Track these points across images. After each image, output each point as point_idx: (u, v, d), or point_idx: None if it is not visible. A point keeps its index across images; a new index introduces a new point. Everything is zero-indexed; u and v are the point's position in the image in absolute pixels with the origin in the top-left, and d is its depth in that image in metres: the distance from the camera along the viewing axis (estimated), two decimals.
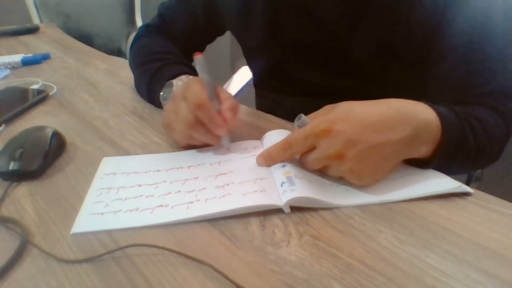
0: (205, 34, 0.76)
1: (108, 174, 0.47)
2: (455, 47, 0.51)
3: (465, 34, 0.50)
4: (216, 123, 0.47)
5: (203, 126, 0.47)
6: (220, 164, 0.48)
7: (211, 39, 0.79)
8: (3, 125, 0.61)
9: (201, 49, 0.80)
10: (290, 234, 0.37)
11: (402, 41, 0.54)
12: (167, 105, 0.52)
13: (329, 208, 0.40)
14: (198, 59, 0.48)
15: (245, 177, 0.44)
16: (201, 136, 0.48)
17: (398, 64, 0.57)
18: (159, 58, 0.65)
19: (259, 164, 0.46)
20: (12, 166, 0.46)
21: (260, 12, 0.63)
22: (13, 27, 1.20)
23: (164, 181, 0.45)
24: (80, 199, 0.43)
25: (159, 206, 0.41)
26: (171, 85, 0.59)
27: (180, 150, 0.52)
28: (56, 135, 0.53)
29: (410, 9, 0.51)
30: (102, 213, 0.41)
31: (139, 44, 0.73)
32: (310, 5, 0.58)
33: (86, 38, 1.67)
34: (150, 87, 0.64)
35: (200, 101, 0.46)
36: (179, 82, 0.58)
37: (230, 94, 0.52)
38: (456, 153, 0.45)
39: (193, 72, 0.61)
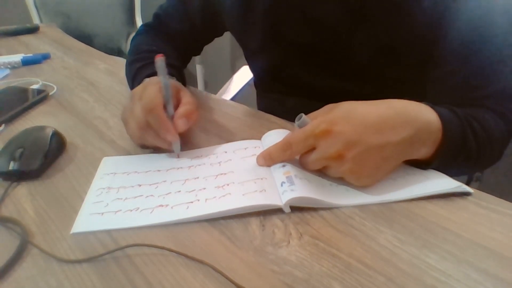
0: (202, 36, 0.76)
1: (108, 174, 0.47)
2: (455, 49, 0.51)
3: (465, 36, 0.50)
4: (166, 130, 0.47)
5: (154, 130, 0.47)
6: (220, 164, 0.48)
7: (209, 40, 0.79)
8: (3, 125, 0.61)
9: (199, 50, 0.80)
10: (290, 234, 0.37)
11: (402, 43, 0.54)
12: (127, 101, 0.52)
13: (329, 208, 0.40)
14: (156, 62, 0.47)
15: (245, 177, 0.44)
16: (152, 139, 0.49)
17: (398, 66, 0.57)
18: (142, 58, 0.66)
19: (259, 164, 0.46)
20: (12, 166, 0.46)
21: (261, 15, 0.63)
22: (13, 27, 1.20)
23: (164, 181, 0.45)
24: (80, 199, 0.43)
25: (159, 206, 0.41)
26: None
27: (180, 151, 0.52)
28: (56, 135, 0.53)
29: (410, 11, 0.51)
30: (102, 213, 0.41)
31: (132, 43, 0.74)
32: (310, 8, 0.58)
33: (86, 38, 1.67)
34: (133, 86, 0.65)
35: (151, 106, 0.46)
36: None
37: (191, 99, 0.51)
38: (457, 154, 0.45)
39: (171, 71, 0.61)
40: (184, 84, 0.67)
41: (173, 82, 0.54)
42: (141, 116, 0.47)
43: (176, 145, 0.50)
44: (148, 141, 0.49)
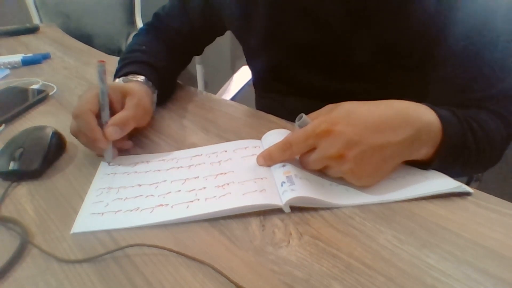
0: (202, 36, 0.76)
1: (108, 174, 0.47)
2: (456, 51, 0.51)
3: (467, 38, 0.50)
4: (94, 136, 0.46)
5: (85, 135, 0.47)
6: (220, 164, 0.48)
7: (210, 40, 0.79)
8: (3, 125, 0.61)
9: (200, 50, 0.80)
10: (290, 234, 0.37)
11: (403, 44, 0.54)
12: None
13: (329, 208, 0.40)
14: (97, 67, 0.47)
15: (245, 177, 0.44)
16: (85, 144, 0.49)
17: (399, 67, 0.57)
18: (127, 57, 0.66)
19: (259, 164, 0.46)
20: (12, 166, 0.46)
21: (262, 14, 0.63)
22: (13, 27, 1.20)
23: (164, 181, 0.45)
24: (80, 199, 0.43)
25: (159, 205, 0.41)
26: None
27: (180, 150, 0.52)
28: (56, 135, 0.53)
29: (411, 12, 0.51)
30: (102, 213, 0.41)
31: (130, 42, 0.75)
32: (311, 8, 0.58)
33: (86, 38, 1.67)
34: None
35: (78, 111, 0.47)
36: (121, 82, 0.58)
37: (132, 105, 0.51)
38: (457, 155, 0.45)
39: (146, 71, 0.61)
40: (167, 85, 0.67)
41: (122, 86, 0.53)
42: (72, 121, 0.48)
43: (107, 153, 0.49)
44: (84, 145, 0.50)
